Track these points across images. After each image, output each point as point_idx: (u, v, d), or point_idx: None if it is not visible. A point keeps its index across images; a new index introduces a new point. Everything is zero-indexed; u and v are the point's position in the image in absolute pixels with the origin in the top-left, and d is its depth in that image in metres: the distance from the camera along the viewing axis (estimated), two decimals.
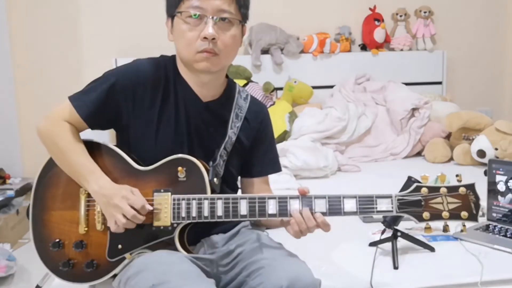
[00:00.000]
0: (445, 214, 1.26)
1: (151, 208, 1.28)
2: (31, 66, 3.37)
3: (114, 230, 1.29)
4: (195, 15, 1.29)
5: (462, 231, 1.30)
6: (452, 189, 1.26)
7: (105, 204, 1.29)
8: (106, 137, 1.69)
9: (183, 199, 1.29)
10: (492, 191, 1.86)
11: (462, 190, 1.26)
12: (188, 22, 1.31)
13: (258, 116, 1.49)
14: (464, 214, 1.26)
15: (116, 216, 1.26)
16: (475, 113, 3.10)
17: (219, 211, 1.28)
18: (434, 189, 1.26)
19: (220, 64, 1.35)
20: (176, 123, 1.37)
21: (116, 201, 1.26)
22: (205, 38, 1.29)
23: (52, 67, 3.39)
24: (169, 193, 1.30)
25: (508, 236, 1.73)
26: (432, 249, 1.64)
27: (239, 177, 1.53)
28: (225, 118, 1.42)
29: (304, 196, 1.27)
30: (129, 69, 1.37)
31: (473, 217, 1.26)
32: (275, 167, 1.55)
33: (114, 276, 1.34)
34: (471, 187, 1.27)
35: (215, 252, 1.38)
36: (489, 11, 3.97)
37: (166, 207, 1.30)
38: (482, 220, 1.87)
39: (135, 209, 1.25)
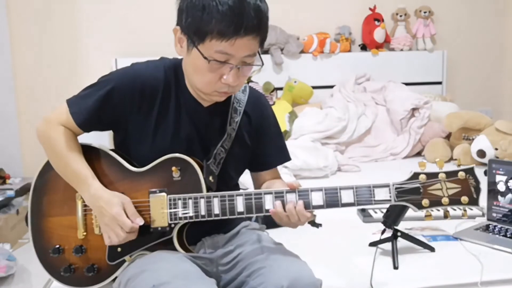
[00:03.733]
0: (445, 200, 1.24)
1: (142, 222, 1.28)
2: (31, 66, 3.37)
3: (107, 244, 1.30)
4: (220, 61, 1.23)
5: (463, 215, 1.28)
6: (451, 174, 1.24)
7: (98, 216, 1.30)
8: (105, 138, 1.68)
9: (179, 198, 1.29)
10: (492, 191, 1.86)
11: (461, 174, 1.24)
12: (211, 63, 1.23)
13: (257, 108, 1.45)
14: (464, 199, 1.24)
15: (109, 234, 1.28)
16: (475, 113, 3.10)
17: (216, 209, 1.27)
18: (432, 175, 1.25)
19: (232, 94, 1.35)
20: (176, 127, 1.35)
21: (107, 220, 1.26)
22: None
23: (52, 67, 3.39)
24: (165, 194, 1.30)
25: (508, 236, 1.73)
26: (432, 249, 1.64)
27: (239, 179, 1.52)
28: (224, 114, 1.40)
29: (300, 190, 1.26)
30: (127, 75, 1.34)
31: (474, 202, 1.24)
32: (284, 157, 1.51)
33: (115, 279, 1.34)
34: (470, 171, 1.25)
35: (215, 251, 1.37)
36: (489, 11, 3.97)
37: (162, 207, 1.30)
38: (482, 220, 1.87)
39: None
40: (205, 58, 1.22)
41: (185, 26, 1.24)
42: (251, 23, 1.19)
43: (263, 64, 1.30)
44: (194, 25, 1.21)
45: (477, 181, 1.25)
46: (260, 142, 1.46)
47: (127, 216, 1.27)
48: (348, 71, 3.57)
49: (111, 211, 1.25)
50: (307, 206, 1.25)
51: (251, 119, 1.44)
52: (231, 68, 1.24)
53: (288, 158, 1.52)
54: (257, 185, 1.51)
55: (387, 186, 1.26)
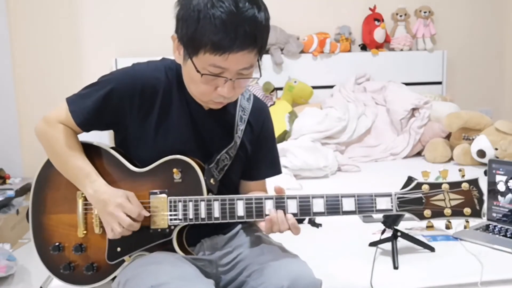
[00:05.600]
0: (447, 211, 1.23)
1: (147, 214, 1.28)
2: (31, 66, 3.37)
3: (111, 237, 1.29)
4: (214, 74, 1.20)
5: (465, 227, 1.27)
6: (454, 185, 1.24)
7: (101, 210, 1.29)
8: (105, 137, 1.68)
9: (179, 200, 1.29)
10: (492, 191, 1.86)
11: (464, 185, 1.23)
12: (204, 76, 1.21)
13: (259, 119, 1.45)
14: (467, 210, 1.23)
15: (112, 225, 1.27)
16: (475, 113, 3.10)
17: (216, 213, 1.27)
18: (435, 186, 1.24)
19: (228, 103, 1.32)
20: (178, 128, 1.34)
21: (111, 209, 1.26)
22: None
23: (52, 67, 3.39)
24: (165, 195, 1.30)
25: (508, 236, 1.73)
26: (432, 249, 1.64)
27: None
28: (229, 122, 1.40)
29: (301, 196, 1.25)
30: (127, 75, 1.32)
31: (476, 214, 1.23)
32: (275, 170, 1.51)
33: (114, 278, 1.34)
34: (474, 182, 1.24)
35: (214, 253, 1.37)
36: (489, 11, 3.97)
37: (163, 209, 1.29)
38: (482, 220, 1.87)
39: (131, 217, 1.26)
40: (198, 71, 1.20)
41: (181, 36, 1.22)
42: (246, 37, 1.16)
43: (260, 75, 1.28)
44: (188, 36, 1.19)
45: (480, 193, 1.24)
46: (256, 152, 1.46)
47: None
48: (348, 71, 3.57)
49: (116, 200, 1.25)
50: (308, 213, 1.25)
51: (253, 129, 1.44)
52: (226, 80, 1.22)
53: (278, 172, 1.52)
54: (242, 192, 1.49)
55: (389, 195, 1.25)
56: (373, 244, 1.66)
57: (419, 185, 1.25)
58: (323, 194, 1.25)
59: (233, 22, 1.14)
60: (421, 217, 1.24)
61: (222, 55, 1.16)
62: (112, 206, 1.26)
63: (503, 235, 1.74)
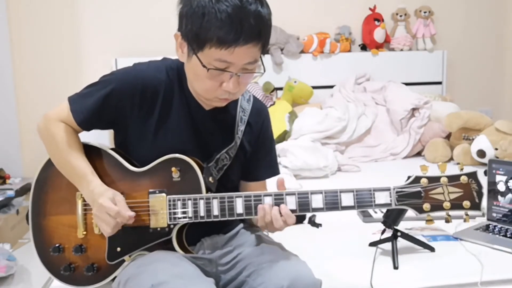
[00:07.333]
0: (446, 204, 1.24)
1: (132, 214, 1.26)
2: (31, 66, 3.37)
3: (106, 235, 1.29)
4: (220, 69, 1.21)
5: (465, 220, 1.27)
6: (453, 178, 1.24)
7: (93, 209, 1.30)
8: (105, 137, 1.68)
9: (178, 199, 1.29)
10: (492, 191, 1.86)
11: (463, 178, 1.24)
12: (210, 71, 1.22)
13: (259, 120, 1.45)
14: (466, 203, 1.24)
15: (99, 224, 1.28)
16: (475, 113, 3.10)
17: (215, 211, 1.27)
18: (434, 179, 1.24)
19: (232, 99, 1.33)
20: (178, 128, 1.35)
21: (95, 210, 1.27)
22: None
23: (52, 67, 3.39)
24: (164, 194, 1.30)
25: (508, 236, 1.73)
26: (432, 249, 1.64)
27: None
28: (230, 123, 1.40)
29: (300, 192, 1.26)
30: (128, 75, 1.33)
31: (475, 206, 1.24)
32: (273, 171, 1.51)
33: (114, 278, 1.34)
34: (473, 176, 1.25)
35: (214, 252, 1.37)
36: (489, 11, 3.97)
37: (162, 208, 1.30)
38: (482, 220, 1.87)
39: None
40: (204, 66, 1.21)
41: (185, 33, 1.23)
42: (251, 31, 1.17)
43: (264, 71, 1.29)
44: (193, 32, 1.20)
45: (479, 186, 1.25)
46: (255, 153, 1.46)
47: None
48: (348, 71, 3.56)
49: (98, 201, 1.25)
50: (307, 209, 1.25)
51: (252, 129, 1.44)
52: (231, 75, 1.22)
53: (277, 173, 1.52)
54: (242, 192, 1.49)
55: (387, 189, 1.25)
56: (373, 244, 1.66)
57: (417, 179, 1.25)
58: (322, 190, 1.25)
59: (238, 16, 1.15)
60: (420, 210, 1.25)
61: (228, 49, 1.17)
62: (95, 207, 1.27)
63: (503, 235, 1.74)
